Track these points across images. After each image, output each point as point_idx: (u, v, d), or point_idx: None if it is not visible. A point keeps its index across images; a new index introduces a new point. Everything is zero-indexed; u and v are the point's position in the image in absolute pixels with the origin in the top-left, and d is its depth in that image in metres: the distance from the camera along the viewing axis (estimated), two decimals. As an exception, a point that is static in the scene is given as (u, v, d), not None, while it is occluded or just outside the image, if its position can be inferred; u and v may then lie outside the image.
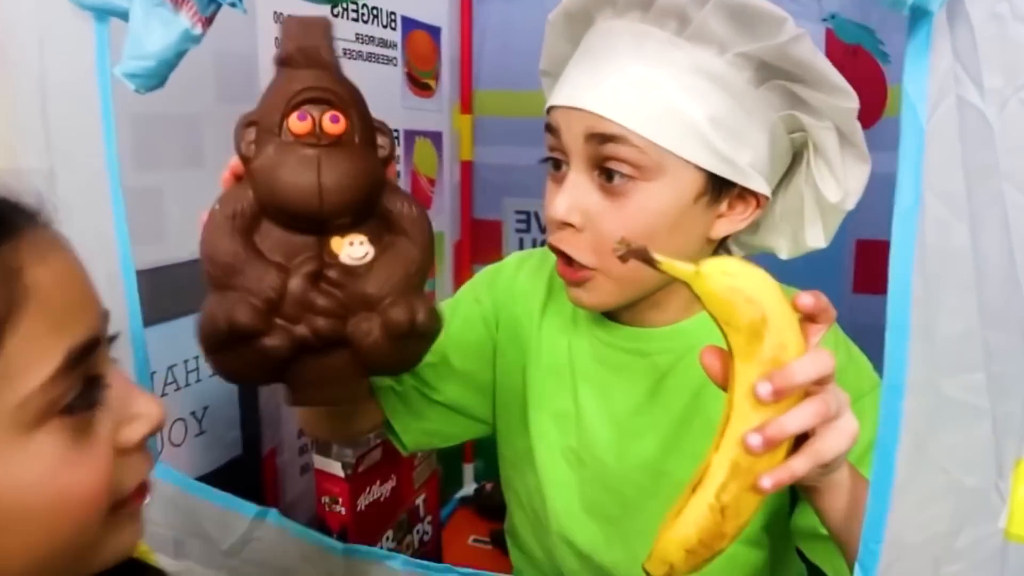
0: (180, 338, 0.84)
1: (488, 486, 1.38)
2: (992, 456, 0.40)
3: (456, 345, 0.73)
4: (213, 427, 0.89)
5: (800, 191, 0.61)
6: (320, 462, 0.92)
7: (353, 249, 0.49)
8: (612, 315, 0.68)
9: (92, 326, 0.36)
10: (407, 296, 0.48)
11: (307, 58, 0.47)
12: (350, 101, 0.48)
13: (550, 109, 0.61)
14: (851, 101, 0.55)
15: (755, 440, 0.40)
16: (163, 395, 0.80)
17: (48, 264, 0.34)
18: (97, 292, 0.38)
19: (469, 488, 1.41)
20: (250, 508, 0.59)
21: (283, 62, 0.48)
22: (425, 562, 0.55)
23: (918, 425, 0.40)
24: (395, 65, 1.26)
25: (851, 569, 0.43)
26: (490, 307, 0.75)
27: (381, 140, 0.50)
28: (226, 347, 0.46)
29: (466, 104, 1.44)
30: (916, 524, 0.41)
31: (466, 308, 0.75)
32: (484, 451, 1.43)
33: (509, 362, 0.73)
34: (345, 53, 1.12)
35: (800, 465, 0.41)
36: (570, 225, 0.58)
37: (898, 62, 1.15)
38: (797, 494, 0.63)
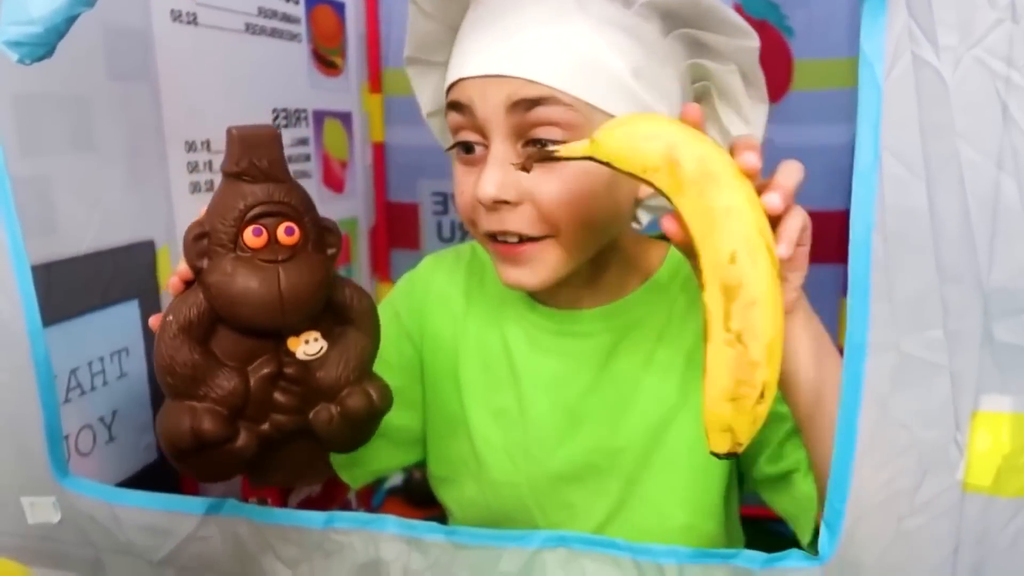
0: (81, 338, 0.77)
1: (416, 474, 1.35)
2: (950, 410, 0.40)
3: (382, 365, 0.69)
4: (124, 433, 0.82)
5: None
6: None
7: (309, 347, 0.52)
8: (545, 301, 0.66)
9: None
10: (361, 383, 0.52)
11: (261, 172, 0.48)
12: (303, 210, 0.50)
13: (454, 85, 0.57)
14: (753, 40, 0.57)
15: (750, 158, 0.41)
16: (66, 401, 0.73)
17: None
18: None
19: (397, 479, 1.38)
20: (198, 504, 0.54)
21: (235, 175, 0.49)
22: (417, 521, 0.52)
23: (880, 384, 0.41)
24: (300, 41, 1.20)
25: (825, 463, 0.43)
26: (410, 320, 0.72)
27: (331, 240, 0.52)
28: (194, 455, 0.48)
29: (375, 83, 1.39)
30: (879, 481, 0.42)
31: (386, 325, 0.72)
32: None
33: (438, 371, 0.70)
34: (247, 28, 1.06)
35: (794, 220, 0.43)
36: (505, 202, 0.56)
37: (802, 37, 1.18)
38: (741, 465, 0.64)
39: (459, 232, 1.42)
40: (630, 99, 0.55)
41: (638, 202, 0.61)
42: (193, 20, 0.96)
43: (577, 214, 0.56)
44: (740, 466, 0.65)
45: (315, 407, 0.51)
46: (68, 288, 0.76)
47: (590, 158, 0.44)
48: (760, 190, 0.43)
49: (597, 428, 0.64)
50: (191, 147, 0.96)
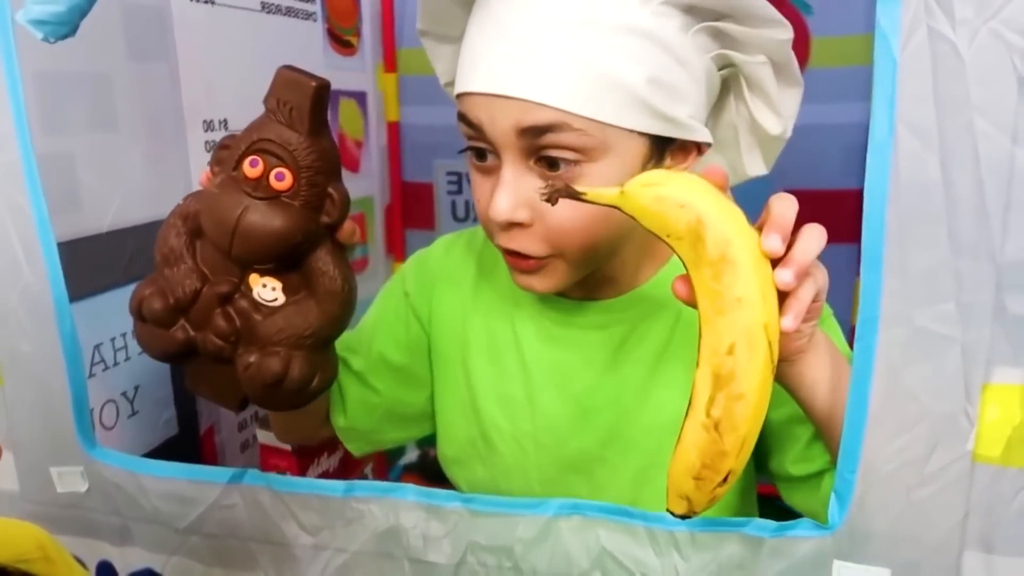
0: (104, 315, 0.79)
1: (431, 451, 1.36)
2: (961, 383, 0.41)
3: (391, 341, 0.71)
4: (146, 407, 0.84)
5: (732, 123, 0.60)
6: (265, 436, 0.89)
7: (264, 291, 0.54)
8: (560, 292, 0.67)
9: None
10: (289, 350, 0.53)
11: (283, 113, 0.51)
12: (307, 165, 0.51)
13: (462, 96, 0.55)
14: (785, 32, 0.53)
15: (774, 243, 0.41)
16: (91, 376, 0.75)
17: None
18: None
19: (412, 455, 1.40)
20: (222, 473, 0.56)
21: (266, 107, 0.52)
22: (435, 490, 0.54)
23: (891, 356, 0.41)
24: (315, 21, 1.20)
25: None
26: (419, 299, 0.72)
27: (328, 208, 0.53)
28: (140, 322, 0.55)
29: (390, 63, 1.39)
30: (889, 452, 0.43)
31: (395, 302, 0.73)
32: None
33: (446, 353, 0.70)
34: (263, 7, 1.06)
35: (806, 292, 0.42)
36: (517, 224, 0.55)
37: (820, 14, 1.17)
38: (763, 447, 0.64)
39: (473, 212, 1.43)
40: (645, 111, 0.52)
41: None
42: (210, 0, 0.96)
43: (585, 237, 0.55)
44: (756, 454, 0.65)
45: (245, 347, 0.53)
46: (91, 265, 0.77)
47: (616, 207, 0.44)
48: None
49: (607, 421, 0.64)
50: (209, 126, 0.97)
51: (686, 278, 0.44)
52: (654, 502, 0.62)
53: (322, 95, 0.50)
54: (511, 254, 0.57)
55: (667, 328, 0.63)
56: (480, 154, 0.56)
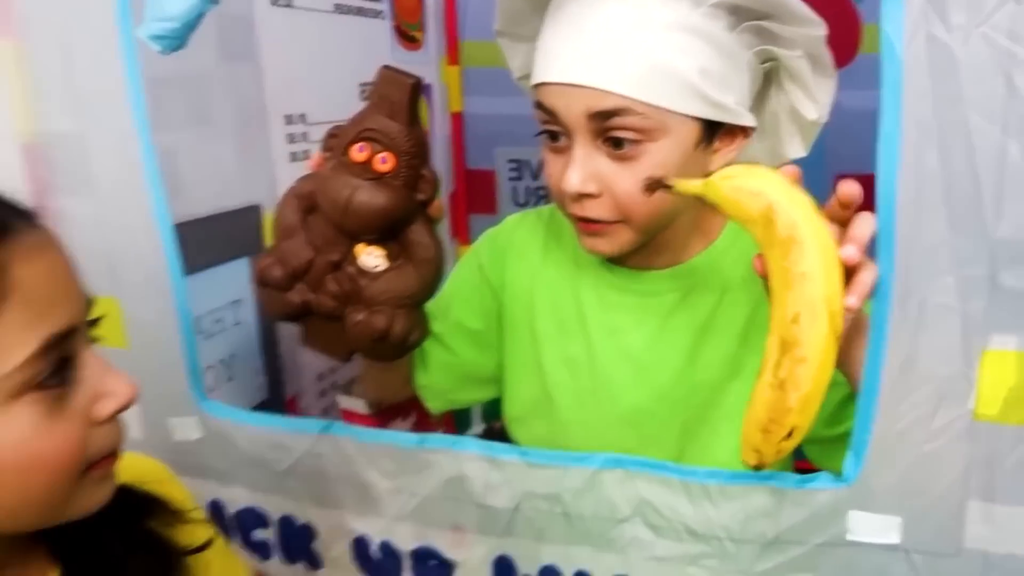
0: (203, 290, 0.88)
1: (497, 425, 1.44)
2: (961, 348, 0.46)
3: (467, 309, 0.79)
4: (240, 374, 0.94)
5: (775, 111, 0.66)
6: (345, 402, 0.98)
7: (368, 258, 0.62)
8: (616, 261, 0.73)
9: (72, 315, 0.40)
10: (392, 309, 0.62)
11: (385, 105, 0.59)
12: (405, 150, 0.59)
13: (539, 86, 0.63)
14: (820, 29, 0.60)
15: (850, 251, 0.46)
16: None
17: (33, 263, 0.38)
18: (82, 285, 0.41)
19: (478, 428, 1.48)
20: (313, 425, 0.65)
21: (369, 101, 0.60)
22: (495, 443, 0.61)
23: (903, 326, 0.46)
24: (383, 19, 1.28)
25: None
26: (491, 270, 0.80)
27: (423, 187, 0.61)
28: (262, 287, 0.63)
29: (453, 55, 1.46)
30: (899, 411, 0.48)
31: (471, 274, 0.81)
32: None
33: (515, 318, 0.78)
34: (336, 8, 1.14)
35: (867, 276, 0.47)
36: (587, 195, 0.63)
37: (870, 1, 1.19)
38: None
39: (533, 198, 1.49)
40: (698, 98, 0.59)
41: (709, 174, 0.66)
42: (289, 3, 1.05)
43: (648, 206, 0.62)
44: None
45: (353, 307, 0.62)
46: (192, 246, 0.87)
47: (700, 196, 0.51)
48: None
49: (658, 378, 0.70)
50: (289, 120, 1.06)
51: (762, 257, 0.50)
52: (697, 453, 0.69)
53: (417, 90, 0.59)
54: (581, 220, 0.65)
55: (714, 299, 0.70)
56: (554, 136, 0.64)
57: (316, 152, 0.63)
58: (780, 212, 0.47)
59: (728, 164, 0.66)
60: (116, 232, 0.65)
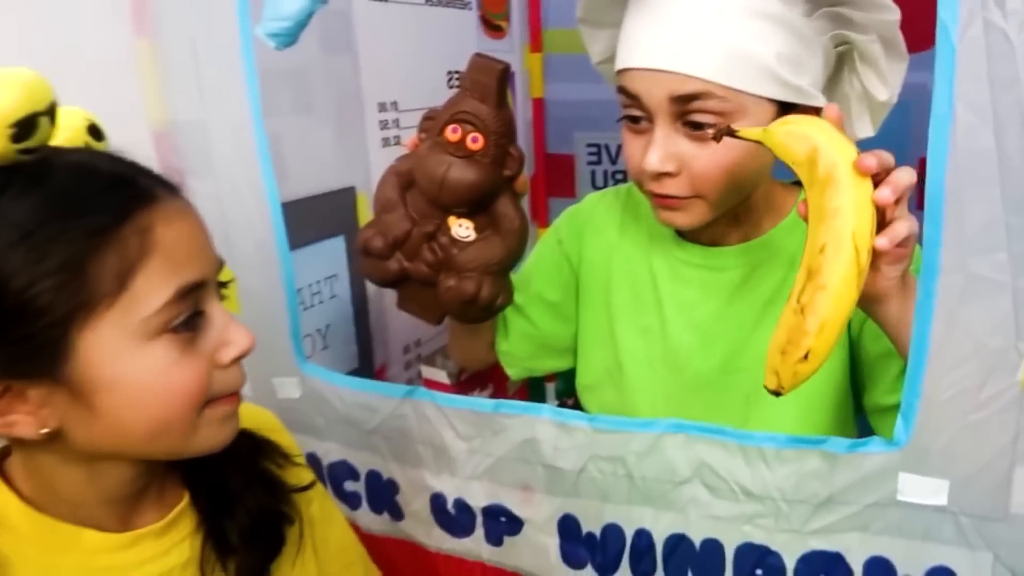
0: (303, 265, 0.97)
1: (569, 402, 1.49)
2: (1012, 322, 0.48)
3: (546, 281, 0.84)
4: (335, 343, 1.03)
5: (846, 92, 0.69)
6: (428, 372, 1.05)
7: (460, 229, 0.69)
8: (688, 238, 0.77)
9: (202, 272, 0.46)
10: (481, 275, 0.68)
11: (476, 90, 0.65)
12: (494, 130, 0.65)
13: (622, 72, 0.67)
14: (893, 14, 0.62)
15: (869, 161, 0.50)
16: (294, 314, 0.93)
17: (172, 226, 0.45)
18: (213, 248, 0.49)
19: (552, 404, 1.53)
20: (399, 390, 0.71)
21: (462, 86, 0.66)
22: (565, 410, 0.66)
23: (950, 298, 0.49)
24: (470, 9, 1.34)
25: None
26: (570, 245, 0.85)
27: (510, 163, 0.67)
28: (365, 256, 0.70)
29: (536, 43, 1.51)
30: (948, 381, 0.50)
31: (550, 249, 0.86)
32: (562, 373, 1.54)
33: (591, 290, 0.83)
34: (427, 0, 1.21)
35: (900, 225, 0.50)
36: (666, 173, 0.66)
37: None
38: (857, 379, 0.72)
39: (611, 181, 1.52)
40: (774, 81, 0.63)
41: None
42: (384, -2, 1.12)
43: (722, 182, 0.66)
44: (857, 396, 0.73)
45: (445, 273, 0.68)
46: (294, 224, 0.95)
47: (759, 142, 0.56)
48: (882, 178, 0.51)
49: (724, 348, 0.74)
50: (383, 107, 1.13)
51: (806, 201, 0.54)
52: (761, 422, 0.72)
53: (505, 75, 0.65)
54: (660, 197, 0.69)
55: (781, 274, 0.73)
56: (635, 119, 0.68)
57: (413, 134, 0.70)
58: (823, 153, 0.51)
59: None
60: (231, 210, 0.73)
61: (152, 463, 0.50)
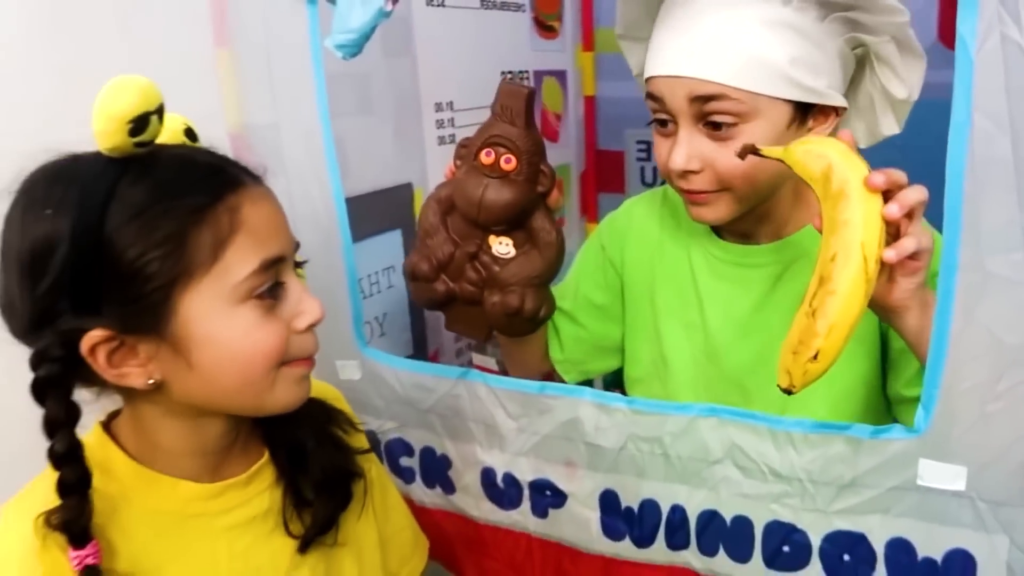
0: (363, 257, 1.03)
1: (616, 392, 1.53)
2: (1028, 318, 0.51)
3: (592, 286, 0.89)
4: (391, 330, 1.09)
5: (868, 92, 0.71)
6: (478, 359, 1.11)
7: (500, 247, 0.74)
8: (724, 235, 0.80)
9: (281, 248, 0.54)
10: (523, 289, 0.72)
11: (506, 114, 0.71)
12: (525, 150, 0.70)
13: (649, 79, 0.72)
14: (902, 16, 0.65)
15: (877, 178, 0.54)
16: (356, 302, 0.99)
17: (257, 207, 0.52)
18: (290, 229, 0.56)
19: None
20: (452, 371, 0.77)
21: (493, 112, 0.72)
22: (609, 392, 0.71)
23: (968, 295, 0.52)
24: (524, 11, 1.39)
25: None
26: (613, 250, 0.89)
27: (542, 180, 0.72)
28: (413, 280, 0.76)
29: (588, 42, 1.55)
30: (966, 373, 0.53)
31: (594, 255, 0.91)
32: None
33: (637, 290, 0.87)
34: (482, 4, 1.26)
35: (908, 242, 0.54)
36: (691, 171, 0.71)
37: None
38: (886, 372, 0.74)
39: (659, 177, 1.56)
40: (789, 83, 0.66)
41: None
42: (442, 3, 1.17)
43: (746, 177, 0.69)
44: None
45: (489, 290, 0.73)
46: (355, 218, 1.01)
47: (781, 160, 0.60)
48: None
49: (760, 341, 0.77)
50: (439, 107, 1.19)
51: (820, 215, 0.58)
52: (795, 412, 0.75)
53: (532, 99, 0.70)
54: (689, 193, 0.74)
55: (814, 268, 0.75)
56: (662, 123, 0.73)
57: (449, 164, 0.76)
58: (836, 170, 0.55)
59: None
60: (300, 205, 0.80)
61: (238, 421, 0.57)
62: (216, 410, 0.55)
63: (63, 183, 0.49)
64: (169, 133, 0.54)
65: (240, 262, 0.51)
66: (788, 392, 0.56)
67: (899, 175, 0.56)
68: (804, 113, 0.69)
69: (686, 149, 0.70)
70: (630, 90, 1.44)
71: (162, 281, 0.48)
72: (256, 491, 0.59)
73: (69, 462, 0.48)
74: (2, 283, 0.50)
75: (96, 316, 0.48)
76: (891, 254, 0.54)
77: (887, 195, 0.55)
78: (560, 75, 1.51)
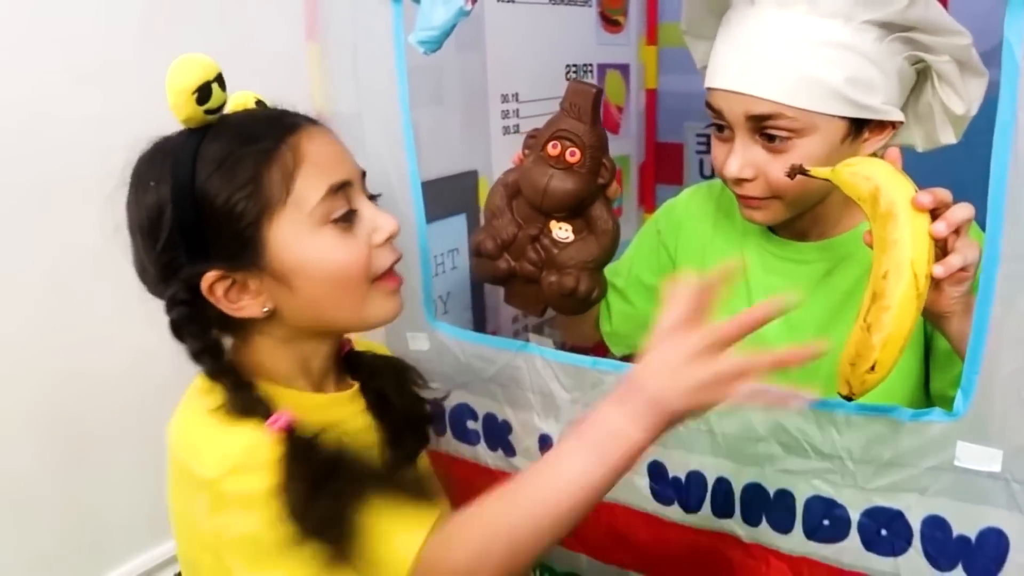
0: (431, 239, 1.07)
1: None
2: (1066, 309, 0.53)
3: (645, 267, 0.94)
4: (454, 308, 1.16)
5: (929, 103, 0.73)
6: (535, 339, 1.16)
7: (560, 231, 0.81)
8: (775, 232, 0.84)
9: (346, 173, 0.61)
10: (578, 272, 0.78)
11: (573, 111, 0.77)
12: (590, 144, 0.76)
13: (709, 89, 0.75)
14: (964, 39, 0.67)
15: (924, 198, 0.57)
16: (424, 280, 1.06)
17: (315, 142, 0.60)
18: (353, 158, 0.64)
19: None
20: (513, 344, 0.83)
21: (561, 108, 0.78)
22: None
23: (1010, 284, 0.55)
24: (590, 6, 1.43)
25: None
26: (668, 235, 0.94)
27: (603, 173, 0.78)
28: (477, 257, 0.82)
29: (652, 36, 1.58)
30: (1004, 360, 0.56)
31: (650, 238, 0.96)
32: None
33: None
34: (551, 0, 1.31)
35: (955, 258, 0.57)
36: (745, 179, 0.74)
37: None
38: (929, 370, 0.77)
39: (718, 170, 1.58)
40: (844, 101, 0.69)
41: None
42: (512, -1, 1.23)
43: (797, 187, 0.72)
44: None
45: (547, 270, 0.78)
46: (424, 202, 1.08)
47: (828, 180, 0.64)
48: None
49: (808, 334, 0.80)
50: (505, 99, 1.25)
51: (870, 231, 0.62)
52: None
53: (599, 97, 0.76)
54: (741, 197, 0.78)
55: (859, 271, 0.79)
56: (720, 128, 0.77)
57: (517, 152, 0.82)
58: (884, 192, 0.58)
59: (880, 150, 0.75)
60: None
61: (334, 347, 0.66)
62: (324, 329, 0.63)
63: (159, 158, 0.58)
64: (242, 103, 0.64)
65: (309, 189, 0.58)
66: (848, 399, 0.60)
67: (945, 194, 0.59)
68: (860, 127, 0.71)
69: (740, 159, 0.73)
70: (691, 84, 1.47)
71: (250, 219, 0.57)
72: (357, 409, 0.68)
73: (224, 374, 0.57)
74: (134, 252, 0.59)
75: (207, 260, 0.57)
76: (939, 270, 0.58)
77: (934, 212, 0.58)
78: (623, 68, 1.55)
